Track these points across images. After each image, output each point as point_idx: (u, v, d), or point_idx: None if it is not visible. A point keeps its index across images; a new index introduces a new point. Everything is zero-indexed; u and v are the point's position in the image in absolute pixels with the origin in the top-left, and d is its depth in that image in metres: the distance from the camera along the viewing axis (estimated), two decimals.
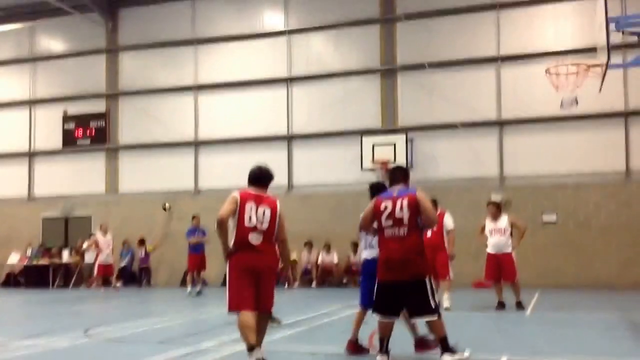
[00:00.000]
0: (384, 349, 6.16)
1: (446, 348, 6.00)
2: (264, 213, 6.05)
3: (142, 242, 19.70)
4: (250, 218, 5.99)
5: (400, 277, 6.06)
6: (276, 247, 6.22)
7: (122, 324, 9.84)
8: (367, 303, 6.68)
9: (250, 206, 6.03)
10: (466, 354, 6.03)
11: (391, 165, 17.83)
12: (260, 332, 6.04)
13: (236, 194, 6.12)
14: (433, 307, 6.07)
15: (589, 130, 16.94)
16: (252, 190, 6.22)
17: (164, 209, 19.93)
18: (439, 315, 6.05)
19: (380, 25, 19.03)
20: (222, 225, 5.95)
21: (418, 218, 6.16)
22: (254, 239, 5.97)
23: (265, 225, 6.02)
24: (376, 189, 6.81)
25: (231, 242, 6.01)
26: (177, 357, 6.78)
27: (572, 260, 16.56)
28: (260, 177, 6.33)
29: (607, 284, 16.02)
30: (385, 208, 6.21)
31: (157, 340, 7.97)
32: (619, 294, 14.28)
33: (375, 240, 6.53)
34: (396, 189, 6.37)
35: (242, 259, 5.96)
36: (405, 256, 6.08)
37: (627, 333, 8.46)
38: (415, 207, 6.14)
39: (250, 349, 5.77)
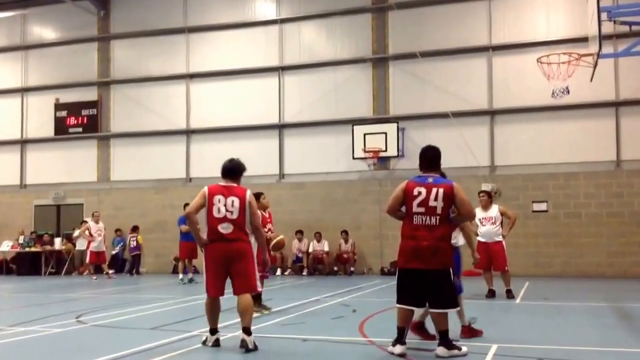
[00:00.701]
0: (403, 339, 6.01)
1: (444, 342, 5.94)
2: (232, 203, 6.45)
3: (135, 229, 19.70)
4: (219, 209, 6.43)
5: (427, 265, 5.92)
6: (250, 234, 6.60)
7: (114, 310, 9.86)
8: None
9: (218, 198, 6.45)
10: (464, 349, 5.98)
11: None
12: (244, 313, 6.39)
13: (205, 189, 6.56)
14: (454, 299, 6.05)
15: (579, 120, 17.03)
16: (223, 183, 6.63)
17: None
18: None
19: (372, 15, 19.01)
20: (189, 218, 6.55)
21: (450, 209, 6.02)
22: (223, 228, 6.41)
23: (234, 215, 6.44)
24: None
25: (205, 234, 6.50)
26: (168, 343, 6.81)
27: (562, 250, 16.70)
28: (231, 170, 6.71)
29: (597, 273, 16.20)
30: (419, 194, 5.99)
31: (149, 327, 7.97)
32: (609, 283, 14.40)
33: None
34: (431, 176, 6.13)
35: (213, 248, 6.44)
36: (434, 244, 5.93)
37: (616, 322, 8.54)
38: (450, 198, 5.96)
39: (212, 332, 6.56)
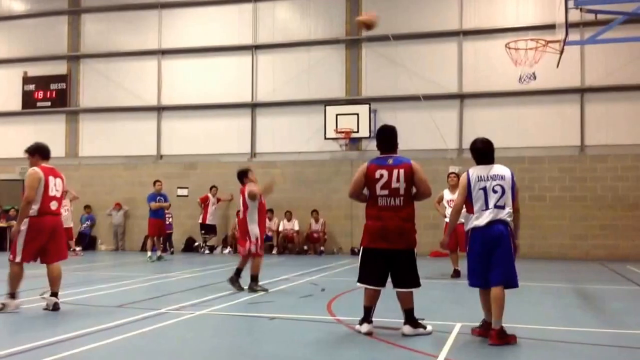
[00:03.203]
0: (369, 318, 6.13)
1: (410, 320, 6.07)
2: (58, 183, 7.59)
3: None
4: (52, 188, 7.47)
5: (393, 245, 5.98)
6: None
7: (80, 287, 9.77)
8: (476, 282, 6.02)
9: (51, 179, 7.48)
10: (429, 327, 6.13)
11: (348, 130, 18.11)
12: (58, 279, 7.51)
13: (39, 171, 7.42)
14: (419, 278, 6.14)
15: (545, 105, 17.36)
16: (45, 164, 7.57)
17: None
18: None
19: None
20: (30, 202, 7.29)
21: (412, 188, 6.08)
22: (54, 205, 7.51)
23: (59, 194, 7.61)
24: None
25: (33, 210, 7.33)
26: (135, 320, 6.80)
27: (526, 232, 16.90)
28: (48, 151, 7.74)
29: (560, 255, 16.64)
30: (381, 177, 6.02)
31: (116, 304, 7.95)
32: (571, 265, 14.81)
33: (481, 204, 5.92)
34: (390, 157, 6.13)
35: (42, 221, 7.36)
36: (401, 225, 6.00)
37: (577, 302, 8.83)
38: (411, 177, 6.02)
39: (13, 296, 7.41)
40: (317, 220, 18.28)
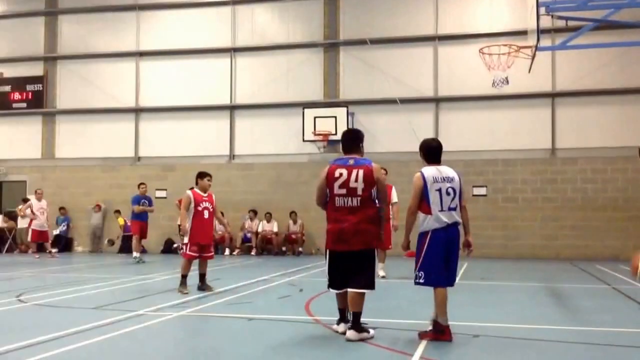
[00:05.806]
0: (345, 318, 6.14)
1: (355, 325, 5.93)
2: None
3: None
4: None
5: (350, 247, 5.96)
6: None
7: (56, 289, 9.70)
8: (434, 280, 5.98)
9: None
10: (372, 332, 6.04)
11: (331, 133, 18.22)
12: None
13: None
14: (373, 281, 6.06)
15: (518, 109, 17.73)
16: None
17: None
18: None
19: (324, 0, 19.14)
20: None
21: (373, 190, 6.01)
22: None
23: None
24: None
25: None
26: (111, 322, 6.74)
27: (499, 232, 17.42)
28: None
29: (531, 255, 16.99)
30: (340, 175, 5.99)
31: (92, 306, 7.89)
32: (542, 264, 15.14)
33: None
34: (352, 158, 6.10)
35: None
36: (357, 227, 5.93)
37: (547, 300, 9.07)
38: (370, 179, 5.96)
39: None
40: (295, 222, 18.41)
